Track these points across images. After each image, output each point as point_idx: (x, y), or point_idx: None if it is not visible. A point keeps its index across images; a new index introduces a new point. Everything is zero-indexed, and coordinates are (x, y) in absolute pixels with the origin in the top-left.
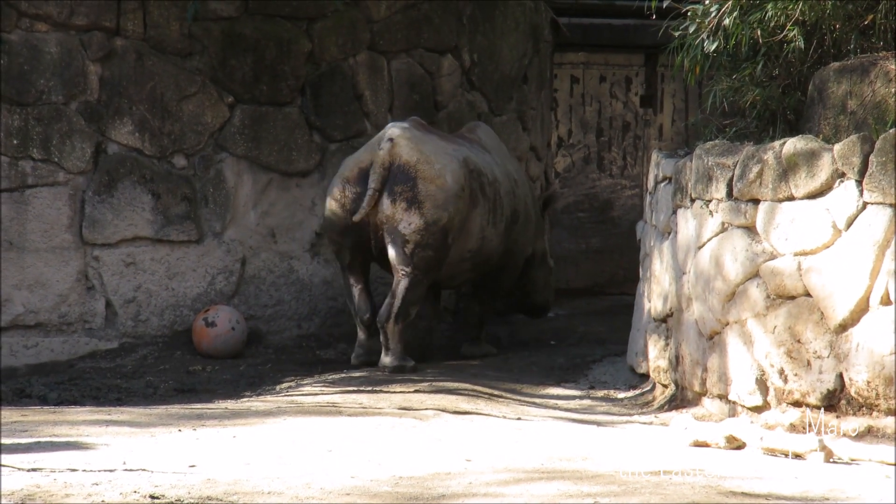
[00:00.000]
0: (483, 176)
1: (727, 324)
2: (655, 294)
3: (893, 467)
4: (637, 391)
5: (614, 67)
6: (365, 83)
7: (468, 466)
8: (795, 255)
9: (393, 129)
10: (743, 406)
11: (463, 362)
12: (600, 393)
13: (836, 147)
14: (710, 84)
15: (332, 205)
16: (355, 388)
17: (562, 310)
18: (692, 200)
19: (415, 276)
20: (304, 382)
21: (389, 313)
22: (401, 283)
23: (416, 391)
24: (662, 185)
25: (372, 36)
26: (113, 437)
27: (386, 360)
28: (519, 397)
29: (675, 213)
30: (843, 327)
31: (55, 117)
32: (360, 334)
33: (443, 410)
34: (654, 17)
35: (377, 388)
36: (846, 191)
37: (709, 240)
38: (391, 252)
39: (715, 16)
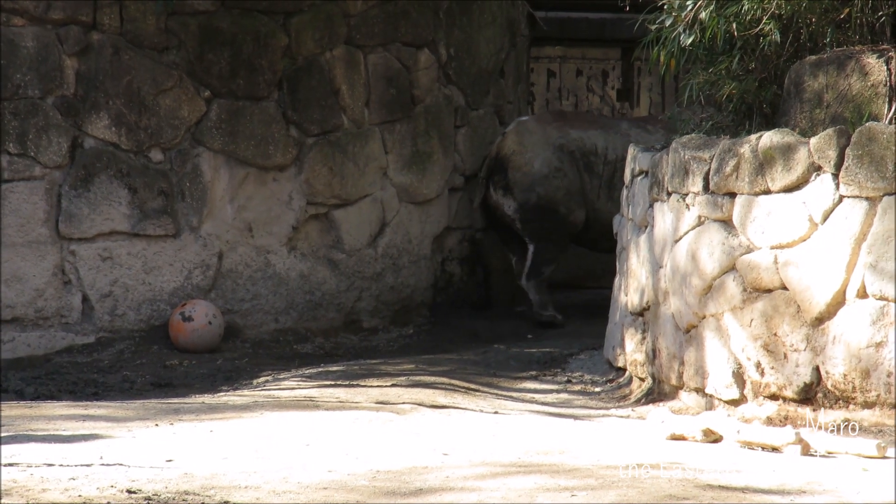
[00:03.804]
0: (593, 156)
1: (704, 317)
2: (632, 288)
3: (871, 460)
4: (614, 385)
5: (591, 61)
6: (342, 77)
7: (445, 460)
8: (772, 248)
9: (511, 124)
10: (720, 399)
11: (441, 356)
12: (577, 386)
13: (813, 141)
14: (686, 77)
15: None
16: (332, 383)
17: None
18: (669, 194)
19: (536, 244)
20: (282, 377)
21: (521, 273)
22: (528, 250)
23: (393, 385)
24: (639, 178)
25: (349, 30)
26: (90, 432)
27: (533, 310)
28: (496, 391)
29: (651, 206)
30: (820, 320)
31: (31, 112)
32: None
33: (420, 404)
34: (629, 10)
35: (354, 383)
36: (822, 184)
37: (685, 233)
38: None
39: (691, 9)
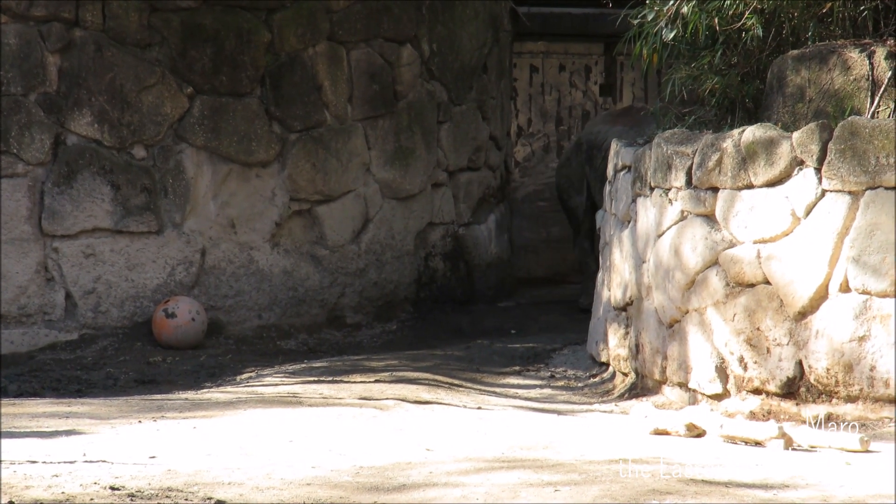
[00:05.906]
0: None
1: (687, 312)
2: (615, 283)
3: (854, 454)
4: (597, 380)
5: (574, 56)
6: (324, 73)
7: (429, 456)
8: (755, 242)
9: None
10: (703, 394)
11: (424, 351)
12: (561, 382)
13: (795, 135)
14: (668, 72)
15: None
16: (316, 379)
17: (522, 299)
18: (651, 189)
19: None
20: (265, 373)
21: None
22: None
23: (376, 381)
24: (622, 173)
25: (331, 26)
26: (73, 429)
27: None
28: (480, 386)
29: (634, 201)
30: (803, 315)
31: (14, 109)
32: None
33: (403, 400)
34: (611, 5)
35: (338, 379)
36: (805, 178)
37: (668, 228)
38: None
39: (673, 4)
